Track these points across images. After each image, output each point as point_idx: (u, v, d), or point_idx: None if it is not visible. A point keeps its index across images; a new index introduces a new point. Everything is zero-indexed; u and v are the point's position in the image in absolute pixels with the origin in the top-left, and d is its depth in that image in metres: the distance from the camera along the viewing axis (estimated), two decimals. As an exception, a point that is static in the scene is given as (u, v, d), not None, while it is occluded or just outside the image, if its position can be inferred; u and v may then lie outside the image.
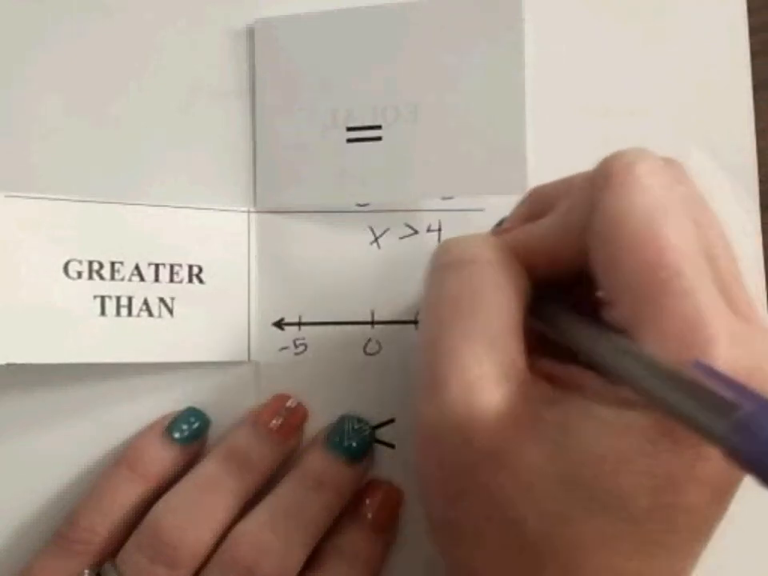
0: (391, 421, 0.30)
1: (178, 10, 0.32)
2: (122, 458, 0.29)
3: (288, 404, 0.30)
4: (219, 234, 0.31)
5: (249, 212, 0.32)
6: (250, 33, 0.32)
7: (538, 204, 0.25)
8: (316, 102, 0.31)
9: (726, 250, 0.20)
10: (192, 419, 0.30)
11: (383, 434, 0.30)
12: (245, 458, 0.29)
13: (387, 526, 0.29)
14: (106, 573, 0.27)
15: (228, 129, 0.32)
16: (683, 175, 0.21)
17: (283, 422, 0.29)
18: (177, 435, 0.29)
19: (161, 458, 0.29)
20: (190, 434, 0.30)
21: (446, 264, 0.22)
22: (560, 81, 0.31)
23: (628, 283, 0.19)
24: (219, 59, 0.32)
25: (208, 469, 0.29)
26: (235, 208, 0.31)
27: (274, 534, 0.27)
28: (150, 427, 0.30)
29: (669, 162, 0.21)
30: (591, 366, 0.20)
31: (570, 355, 0.21)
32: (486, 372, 0.20)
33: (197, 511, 0.27)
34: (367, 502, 0.29)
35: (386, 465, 0.30)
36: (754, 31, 0.31)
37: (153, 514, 0.28)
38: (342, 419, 0.30)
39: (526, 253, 0.22)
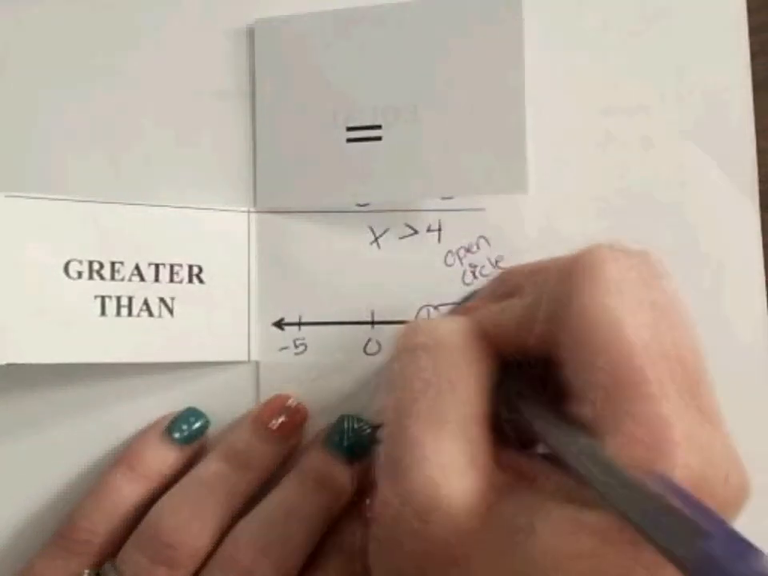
0: (391, 421, 0.30)
1: (178, 9, 0.32)
2: (122, 457, 0.29)
3: (288, 404, 0.30)
4: (219, 234, 0.31)
5: (249, 212, 0.32)
6: (250, 33, 0.32)
7: (507, 284, 0.25)
8: (316, 102, 0.31)
9: (694, 352, 0.21)
10: (192, 419, 0.30)
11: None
12: (245, 458, 0.29)
13: None
14: (105, 573, 0.27)
15: (228, 129, 0.32)
16: (655, 272, 0.21)
17: (283, 422, 0.29)
18: (177, 435, 0.29)
19: (161, 457, 0.29)
20: (190, 434, 0.30)
21: (413, 346, 0.22)
22: (560, 81, 0.31)
23: (595, 384, 0.19)
24: (219, 59, 0.32)
25: (208, 469, 0.29)
26: (235, 208, 0.31)
27: (274, 533, 0.27)
28: (150, 427, 0.30)
29: (642, 259, 0.21)
30: (552, 456, 0.20)
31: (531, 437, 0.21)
32: (449, 462, 0.20)
33: (197, 511, 0.27)
34: (368, 501, 0.29)
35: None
36: (753, 31, 0.31)
37: (152, 514, 0.28)
38: (342, 419, 0.30)
39: (492, 335, 0.22)
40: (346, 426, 0.30)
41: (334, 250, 0.31)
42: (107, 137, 0.32)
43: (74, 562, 0.28)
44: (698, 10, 0.31)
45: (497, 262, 0.31)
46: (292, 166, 0.31)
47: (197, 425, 0.30)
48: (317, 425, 0.30)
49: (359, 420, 0.30)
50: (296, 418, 0.30)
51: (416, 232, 0.31)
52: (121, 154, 0.32)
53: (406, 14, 0.31)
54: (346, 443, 0.29)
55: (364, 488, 0.29)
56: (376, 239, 0.31)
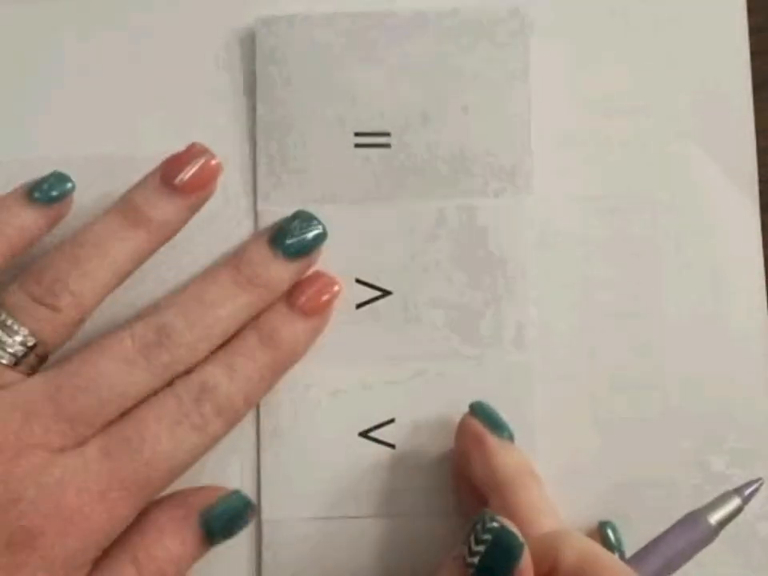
0: (391, 421, 0.30)
1: (178, 10, 0.32)
2: None
3: (200, 157, 0.28)
4: (220, 234, 0.31)
5: (248, 212, 0.32)
6: (250, 33, 0.32)
7: None
8: (315, 103, 0.31)
9: None
10: (59, 178, 0.28)
11: (383, 434, 0.30)
12: (141, 214, 0.27)
13: (317, 312, 0.29)
14: None
15: (228, 129, 0.32)
16: None
17: (191, 177, 0.28)
18: (37, 195, 0.27)
19: (19, 217, 0.27)
20: (57, 195, 0.27)
21: None
22: (560, 80, 0.31)
23: None
24: (219, 59, 0.32)
25: (98, 222, 0.27)
26: (235, 208, 0.31)
27: (195, 305, 0.27)
28: (11, 192, 0.28)
29: None
30: None
31: None
32: None
33: (80, 264, 0.26)
34: (301, 290, 0.29)
35: (386, 465, 0.30)
36: (753, 31, 0.31)
37: (39, 261, 0.27)
38: (295, 215, 0.29)
39: None
40: (296, 222, 0.29)
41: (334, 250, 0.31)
42: (107, 137, 0.32)
43: None
44: (698, 10, 0.31)
45: (497, 262, 0.31)
46: (292, 166, 0.31)
47: (64, 185, 0.28)
48: (316, 424, 0.30)
49: (312, 218, 0.29)
50: (206, 173, 0.28)
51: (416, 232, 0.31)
52: (120, 154, 0.32)
53: (407, 16, 0.31)
54: (289, 241, 0.28)
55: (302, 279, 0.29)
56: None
